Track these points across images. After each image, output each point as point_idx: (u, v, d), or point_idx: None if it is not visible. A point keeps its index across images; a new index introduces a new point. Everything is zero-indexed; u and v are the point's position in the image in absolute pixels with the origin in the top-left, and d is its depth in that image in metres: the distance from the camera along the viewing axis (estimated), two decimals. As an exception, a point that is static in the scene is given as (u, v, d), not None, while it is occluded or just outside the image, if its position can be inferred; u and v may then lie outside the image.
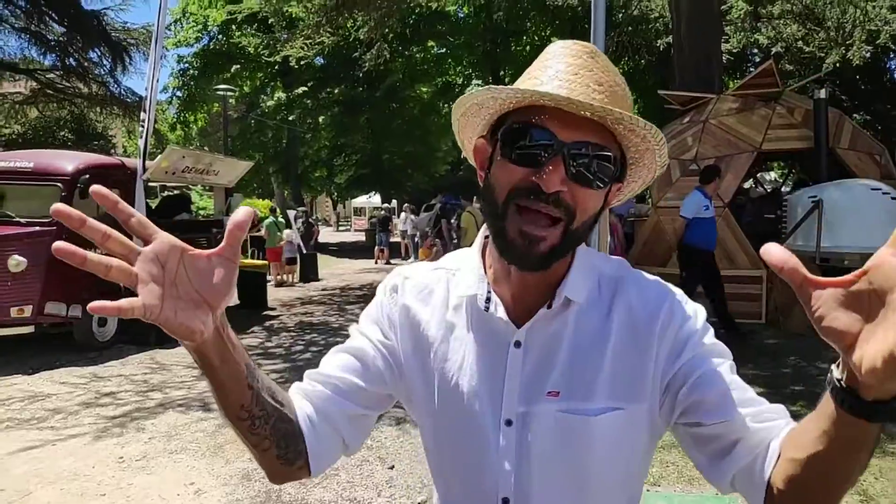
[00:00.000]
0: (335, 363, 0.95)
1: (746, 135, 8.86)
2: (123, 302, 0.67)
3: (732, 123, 9.07)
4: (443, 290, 0.96)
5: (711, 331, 0.89)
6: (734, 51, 15.73)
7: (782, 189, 12.61)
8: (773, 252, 0.63)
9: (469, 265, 0.94)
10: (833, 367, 0.66)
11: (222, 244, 0.72)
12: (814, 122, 8.56)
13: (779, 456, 0.76)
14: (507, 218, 0.83)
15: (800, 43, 15.17)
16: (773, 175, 19.80)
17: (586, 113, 0.78)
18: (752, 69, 16.99)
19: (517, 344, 0.88)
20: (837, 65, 15.01)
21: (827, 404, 0.67)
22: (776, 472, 0.75)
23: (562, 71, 0.83)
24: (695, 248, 7.05)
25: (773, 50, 15.28)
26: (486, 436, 0.88)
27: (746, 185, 13.57)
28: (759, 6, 14.62)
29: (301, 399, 0.92)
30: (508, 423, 0.87)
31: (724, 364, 0.85)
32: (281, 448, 0.86)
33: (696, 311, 0.89)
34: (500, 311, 0.88)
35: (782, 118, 8.97)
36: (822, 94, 8.58)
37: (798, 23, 14.75)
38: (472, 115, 0.91)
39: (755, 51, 18.11)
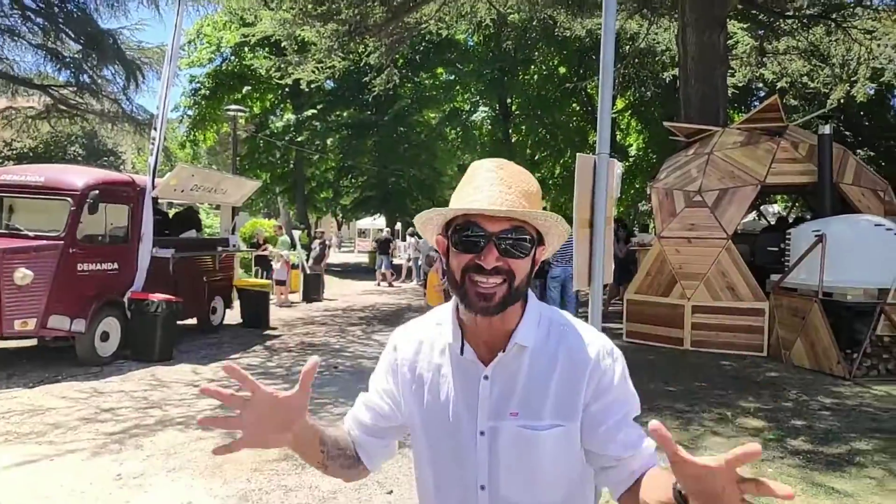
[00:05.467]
0: (362, 412, 1.36)
1: (751, 168, 8.93)
2: (237, 439, 1.12)
3: (737, 156, 9.15)
4: (430, 339, 1.32)
5: (624, 378, 1.23)
6: (739, 85, 15.90)
7: (788, 219, 12.63)
8: (657, 429, 0.90)
9: (447, 320, 1.27)
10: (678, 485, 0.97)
11: (298, 389, 1.10)
12: (818, 157, 8.62)
13: (629, 490, 1.16)
14: (465, 287, 1.16)
15: (805, 79, 15.34)
16: (776, 208, 19.84)
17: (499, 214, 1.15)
18: (757, 103, 17.18)
19: (486, 377, 1.22)
20: (842, 101, 15.16)
21: (666, 492, 1.00)
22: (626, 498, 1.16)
23: (482, 184, 1.18)
24: None
25: (778, 85, 15.45)
26: (467, 442, 1.24)
27: (749, 217, 13.64)
28: (765, 42, 14.80)
29: (351, 434, 1.36)
30: (482, 433, 1.22)
31: (625, 416, 1.20)
32: (343, 471, 1.32)
33: (615, 366, 1.22)
34: (470, 355, 1.23)
35: (786, 152, 9.04)
36: (827, 129, 8.67)
37: (803, 59, 14.92)
38: (429, 223, 1.26)
39: (760, 85, 18.28)
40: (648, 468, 1.16)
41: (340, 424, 1.39)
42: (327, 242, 17.02)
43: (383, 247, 19.59)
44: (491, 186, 1.17)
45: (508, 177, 1.19)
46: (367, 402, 1.36)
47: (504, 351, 1.21)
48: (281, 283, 13.73)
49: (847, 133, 18.81)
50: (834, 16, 13.41)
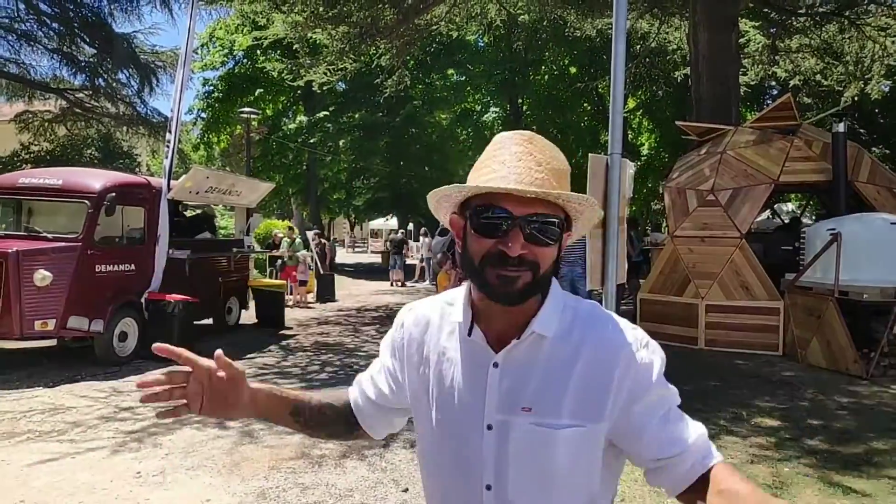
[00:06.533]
0: (368, 384, 1.33)
1: (764, 167, 8.88)
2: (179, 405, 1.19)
3: (750, 155, 9.11)
4: (437, 319, 1.20)
5: (661, 377, 1.10)
6: (752, 83, 15.80)
7: (801, 220, 12.55)
8: None
9: (460, 300, 1.16)
10: None
11: (227, 375, 1.17)
12: (832, 156, 8.57)
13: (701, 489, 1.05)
14: (484, 274, 1.04)
15: (818, 76, 15.22)
16: (790, 206, 19.70)
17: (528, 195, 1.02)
18: (769, 102, 17.07)
19: (495, 364, 1.10)
20: (856, 98, 15.03)
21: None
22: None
23: (508, 159, 1.05)
24: None
25: (791, 83, 15.34)
26: (472, 437, 1.11)
27: (763, 216, 13.56)
28: (777, 40, 14.70)
29: (356, 402, 1.34)
30: (489, 427, 1.09)
31: (668, 412, 1.09)
32: (333, 437, 1.32)
33: (653, 359, 1.10)
34: (479, 338, 1.11)
35: (800, 151, 8.99)
36: (841, 127, 8.61)
37: (816, 57, 14.81)
38: (444, 201, 1.14)
39: (773, 84, 18.16)
40: (708, 464, 1.07)
41: (343, 390, 1.37)
42: (324, 242, 17.14)
43: (397, 247, 19.68)
44: (518, 162, 1.04)
45: (538, 151, 1.06)
46: (374, 377, 1.32)
47: (519, 339, 1.08)
48: (303, 283, 13.91)
49: (862, 131, 18.66)
50: (847, 13, 13.29)
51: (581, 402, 1.06)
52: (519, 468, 1.08)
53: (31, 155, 16.73)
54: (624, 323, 1.12)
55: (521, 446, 1.07)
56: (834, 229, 7.70)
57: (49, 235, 7.38)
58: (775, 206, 15.07)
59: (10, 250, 6.75)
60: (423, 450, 1.23)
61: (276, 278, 13.53)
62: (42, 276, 6.84)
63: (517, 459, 1.07)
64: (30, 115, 16.55)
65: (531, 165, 1.04)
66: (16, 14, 13.79)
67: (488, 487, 1.10)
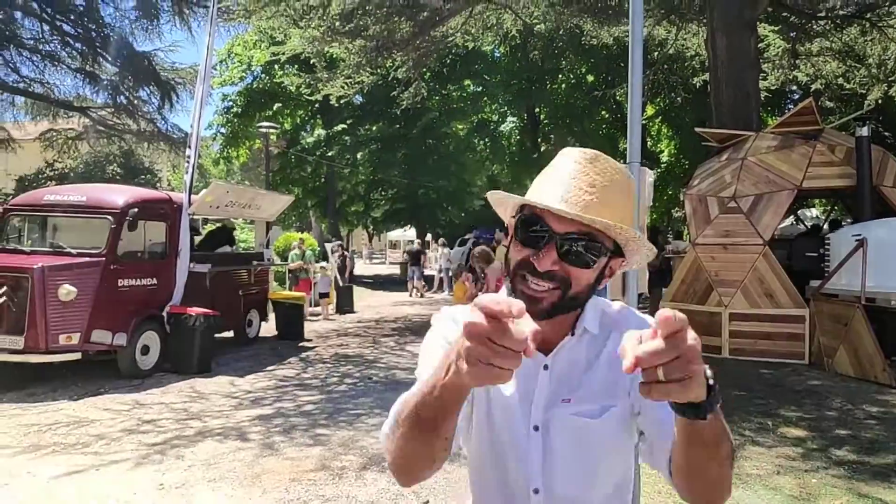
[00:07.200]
0: None
1: (786, 172, 8.76)
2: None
3: (772, 161, 8.99)
4: None
5: None
6: (772, 88, 15.64)
7: (824, 227, 12.35)
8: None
9: None
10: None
11: None
12: (856, 160, 8.43)
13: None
14: (515, 283, 1.09)
15: (840, 80, 15.03)
16: (814, 212, 19.41)
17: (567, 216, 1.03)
18: (791, 106, 16.88)
19: (545, 367, 1.13)
20: (880, 101, 14.80)
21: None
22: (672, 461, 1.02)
23: (563, 177, 1.08)
24: None
25: (813, 87, 15.15)
26: (519, 440, 1.12)
27: (787, 222, 13.37)
28: (797, 44, 14.55)
29: None
30: (536, 428, 1.12)
31: None
32: (442, 453, 1.00)
33: None
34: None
35: (823, 156, 8.86)
36: (865, 131, 8.47)
37: (838, 60, 14.62)
38: (501, 204, 1.19)
39: (794, 88, 17.96)
40: None
41: None
42: (345, 254, 17.19)
43: (415, 258, 19.71)
44: (571, 181, 1.07)
45: (596, 173, 1.08)
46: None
47: (572, 335, 1.13)
48: (324, 295, 13.94)
49: (886, 134, 18.34)
50: (868, 15, 13.12)
51: (610, 385, 1.11)
52: (565, 466, 1.11)
53: (56, 172, 17.08)
54: (646, 316, 1.17)
55: (565, 441, 1.11)
56: (860, 235, 7.57)
57: (73, 251, 7.49)
58: (799, 211, 14.86)
59: (35, 266, 6.86)
60: (471, 457, 1.21)
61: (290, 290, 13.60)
62: (67, 291, 6.94)
63: (562, 453, 1.11)
64: (54, 134, 16.89)
65: (582, 186, 1.06)
66: (40, 35, 14.12)
67: (535, 491, 1.12)
